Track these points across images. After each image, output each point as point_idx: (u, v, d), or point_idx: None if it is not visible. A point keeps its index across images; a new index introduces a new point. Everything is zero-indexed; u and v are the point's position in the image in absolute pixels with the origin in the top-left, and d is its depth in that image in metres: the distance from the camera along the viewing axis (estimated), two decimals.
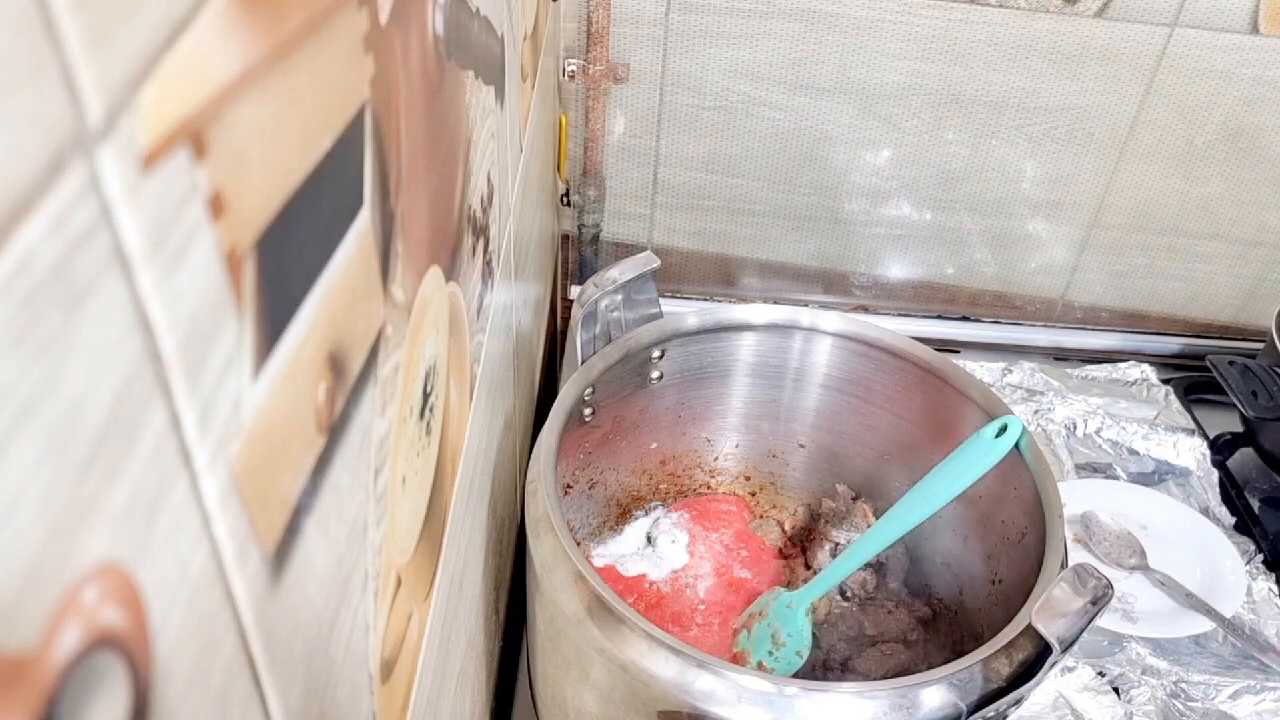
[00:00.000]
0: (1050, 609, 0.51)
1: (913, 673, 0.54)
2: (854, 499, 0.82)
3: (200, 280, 0.19)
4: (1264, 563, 0.87)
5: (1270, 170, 1.04)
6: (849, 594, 0.78)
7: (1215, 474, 0.96)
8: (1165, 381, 1.06)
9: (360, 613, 0.32)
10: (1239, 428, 1.00)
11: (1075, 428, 0.99)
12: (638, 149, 1.04)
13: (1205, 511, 0.92)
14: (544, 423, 0.64)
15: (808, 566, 0.81)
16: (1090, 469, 0.96)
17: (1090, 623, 0.50)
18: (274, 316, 0.23)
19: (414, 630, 0.41)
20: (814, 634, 0.71)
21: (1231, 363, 0.98)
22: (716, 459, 0.86)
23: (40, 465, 0.15)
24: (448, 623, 0.49)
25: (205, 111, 0.19)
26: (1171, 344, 1.14)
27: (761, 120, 1.02)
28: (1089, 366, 1.08)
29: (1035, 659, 0.52)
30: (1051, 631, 0.50)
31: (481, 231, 0.52)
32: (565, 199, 1.08)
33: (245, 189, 0.21)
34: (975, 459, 0.64)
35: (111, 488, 0.17)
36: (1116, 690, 0.75)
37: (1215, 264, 1.12)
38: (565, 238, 1.13)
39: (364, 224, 0.30)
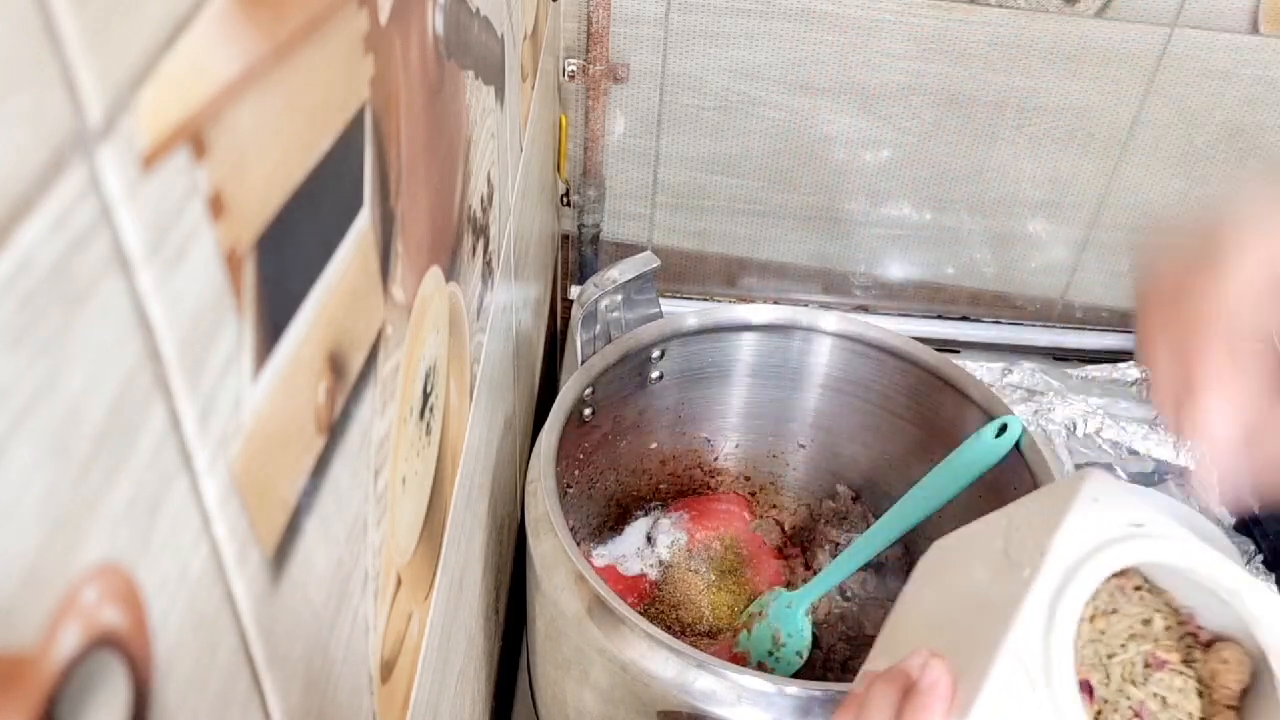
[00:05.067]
0: None
1: None
2: (854, 499, 0.82)
3: (200, 280, 0.19)
4: (1264, 563, 0.87)
5: (1270, 170, 1.04)
6: (849, 594, 0.78)
7: (1215, 474, 0.96)
8: None
9: (360, 613, 0.32)
10: None
11: (1075, 428, 0.99)
12: (638, 149, 1.04)
13: (1205, 511, 0.92)
14: (544, 423, 0.64)
15: (808, 566, 0.81)
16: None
17: None
18: (274, 316, 0.23)
19: (414, 630, 0.41)
20: (814, 634, 0.71)
21: None
22: (716, 459, 0.86)
23: (40, 465, 0.15)
24: (448, 623, 0.49)
25: (205, 111, 0.19)
26: None
27: (761, 120, 1.02)
28: (1089, 366, 1.08)
29: None
30: None
31: (481, 231, 0.52)
32: (565, 199, 1.08)
33: (245, 189, 0.21)
34: (975, 459, 0.64)
35: (111, 488, 0.17)
36: None
37: None
38: (565, 238, 1.12)
39: (364, 224, 0.30)
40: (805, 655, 0.70)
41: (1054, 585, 0.35)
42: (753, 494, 0.87)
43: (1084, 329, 1.16)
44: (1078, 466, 0.96)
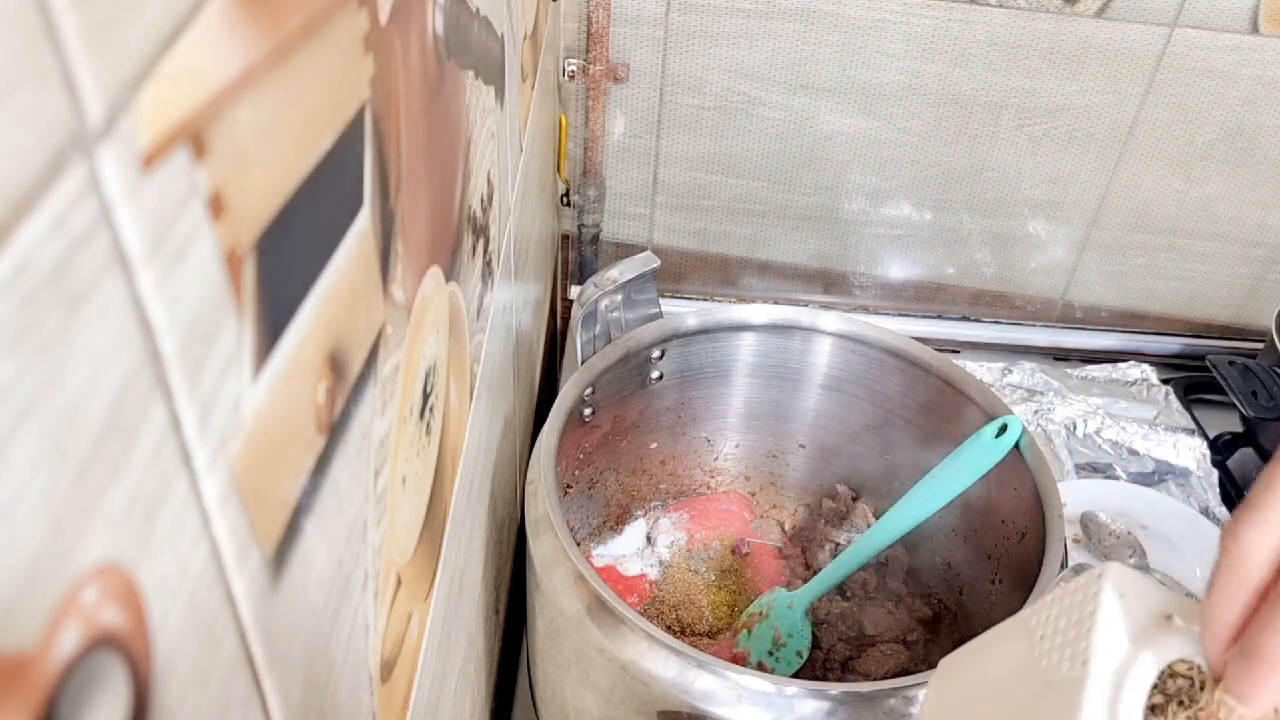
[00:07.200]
0: None
1: (913, 673, 0.54)
2: (854, 499, 0.82)
3: (200, 280, 0.19)
4: None
5: (1270, 170, 1.04)
6: (849, 594, 0.78)
7: (1215, 474, 0.96)
8: (1165, 381, 1.06)
9: (360, 613, 0.32)
10: (1239, 428, 1.00)
11: (1075, 428, 0.99)
12: (638, 149, 1.04)
13: (1205, 511, 0.92)
14: (544, 423, 0.64)
15: (808, 566, 0.81)
16: (1090, 469, 0.96)
17: None
18: (274, 316, 0.23)
19: (414, 630, 0.41)
20: (814, 634, 0.71)
21: (1231, 363, 0.98)
22: (716, 459, 0.86)
23: (40, 465, 0.15)
24: (448, 623, 0.49)
25: (205, 111, 0.19)
26: (1171, 344, 1.14)
27: (761, 120, 1.02)
28: (1089, 366, 1.08)
29: None
30: None
31: (481, 231, 0.52)
32: (565, 199, 1.08)
33: (245, 189, 0.21)
34: (975, 459, 0.64)
35: (111, 488, 0.17)
36: None
37: (1215, 264, 1.12)
38: (565, 238, 1.12)
39: (364, 224, 0.30)
40: (805, 655, 0.70)
41: (1107, 691, 0.32)
42: (753, 494, 0.87)
43: (1084, 329, 1.16)
44: (1078, 466, 0.96)
